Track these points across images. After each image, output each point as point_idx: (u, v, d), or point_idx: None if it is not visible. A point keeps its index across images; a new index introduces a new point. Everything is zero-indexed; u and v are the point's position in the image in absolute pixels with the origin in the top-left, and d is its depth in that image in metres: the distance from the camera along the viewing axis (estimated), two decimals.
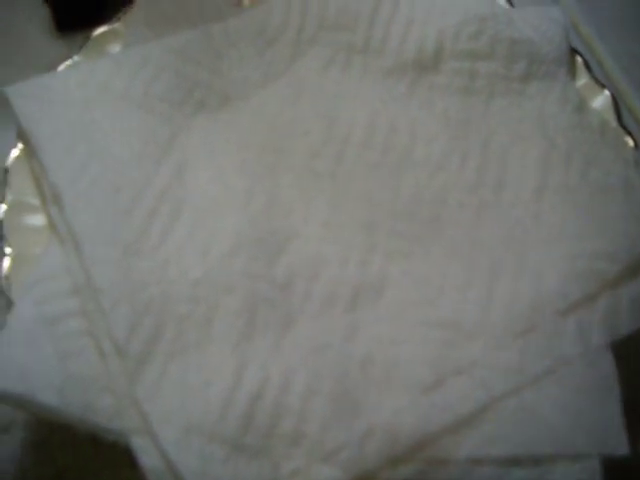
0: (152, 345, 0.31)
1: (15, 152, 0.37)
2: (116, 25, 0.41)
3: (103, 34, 0.41)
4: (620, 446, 0.31)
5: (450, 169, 0.38)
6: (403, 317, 0.34)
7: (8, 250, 0.35)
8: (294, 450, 0.30)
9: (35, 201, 0.36)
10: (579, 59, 0.42)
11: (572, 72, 0.41)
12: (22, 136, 0.37)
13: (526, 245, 0.36)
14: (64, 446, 0.35)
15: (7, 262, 0.34)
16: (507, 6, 0.43)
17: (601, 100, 0.40)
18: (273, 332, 0.33)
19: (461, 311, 0.34)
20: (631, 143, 0.39)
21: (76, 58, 0.40)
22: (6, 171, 0.37)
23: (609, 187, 0.37)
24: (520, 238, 0.36)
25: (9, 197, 0.36)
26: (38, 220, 0.36)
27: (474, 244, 0.36)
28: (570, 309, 0.34)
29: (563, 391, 0.32)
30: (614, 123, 0.39)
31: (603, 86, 0.41)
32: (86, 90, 0.38)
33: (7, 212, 0.36)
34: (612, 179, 0.37)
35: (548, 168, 0.38)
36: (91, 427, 0.30)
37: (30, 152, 0.37)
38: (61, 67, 0.40)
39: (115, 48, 0.41)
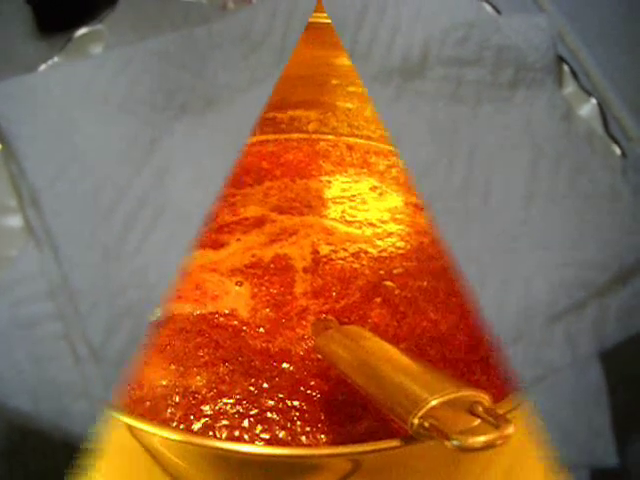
0: (129, 349, 0.30)
1: None
2: (98, 26, 0.41)
3: (85, 35, 0.41)
4: (609, 457, 0.30)
5: (437, 175, 0.37)
6: None
7: None
8: None
9: (12, 202, 0.36)
10: (566, 67, 0.41)
11: (559, 80, 0.41)
12: (0, 137, 0.36)
13: (514, 252, 0.35)
14: (36, 452, 0.34)
15: None
16: (494, 14, 0.43)
17: (588, 108, 0.40)
18: None
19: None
20: (618, 151, 0.38)
21: (57, 59, 0.40)
22: None
23: (597, 195, 0.37)
24: (508, 245, 0.36)
25: None
26: (14, 222, 0.35)
27: (461, 251, 0.35)
28: (558, 317, 0.33)
29: (552, 402, 0.31)
30: (601, 131, 0.39)
31: (590, 94, 0.41)
32: (67, 91, 0.37)
33: None
34: (600, 187, 0.37)
35: (536, 175, 0.37)
36: (65, 433, 0.29)
37: (8, 153, 0.36)
38: (42, 68, 0.39)
39: (97, 50, 0.41)
